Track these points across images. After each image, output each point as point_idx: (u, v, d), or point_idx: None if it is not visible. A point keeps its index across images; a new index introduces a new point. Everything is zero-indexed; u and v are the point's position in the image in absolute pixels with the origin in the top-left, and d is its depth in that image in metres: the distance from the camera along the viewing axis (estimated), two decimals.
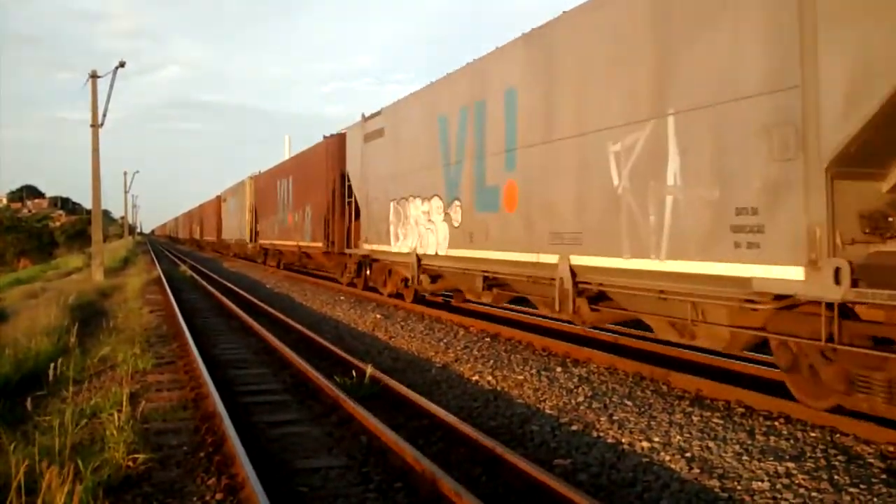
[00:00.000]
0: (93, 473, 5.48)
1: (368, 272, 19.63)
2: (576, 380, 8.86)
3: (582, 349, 10.47)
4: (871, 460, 5.97)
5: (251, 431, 7.11)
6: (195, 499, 5.48)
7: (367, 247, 18.40)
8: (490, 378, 9.19)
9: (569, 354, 10.53)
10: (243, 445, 6.12)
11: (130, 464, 6.02)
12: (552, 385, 8.66)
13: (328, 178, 22.02)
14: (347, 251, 20.69)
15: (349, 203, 20.39)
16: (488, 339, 12.01)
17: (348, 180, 20.23)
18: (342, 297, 19.56)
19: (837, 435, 6.60)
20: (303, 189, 26.12)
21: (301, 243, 26.02)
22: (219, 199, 52.06)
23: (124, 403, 7.10)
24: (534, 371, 9.38)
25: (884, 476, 5.61)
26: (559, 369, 9.47)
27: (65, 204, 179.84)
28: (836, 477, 5.58)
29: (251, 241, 37.82)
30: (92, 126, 28.99)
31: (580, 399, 8.00)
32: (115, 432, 6.33)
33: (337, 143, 21.59)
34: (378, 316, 15.31)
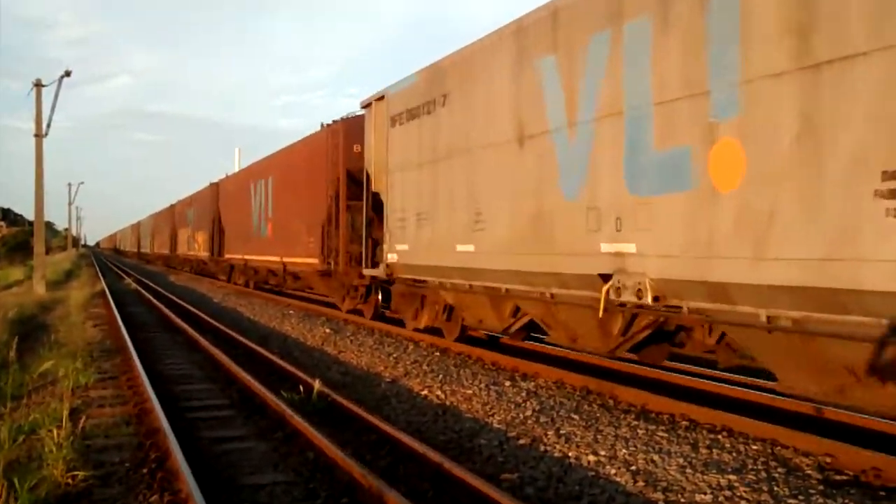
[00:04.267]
0: (29, 492, 5.33)
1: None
2: (524, 394, 8.91)
3: (530, 364, 10.54)
4: (810, 472, 6.11)
5: (196, 447, 6.99)
6: None
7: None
8: (439, 392, 9.19)
9: (517, 369, 10.59)
10: (187, 461, 6.01)
11: (70, 481, 5.87)
12: (500, 399, 8.69)
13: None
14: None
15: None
16: (438, 354, 12.01)
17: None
18: (291, 311, 19.40)
19: (778, 447, 6.75)
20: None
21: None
22: (302, 151, 21.22)
23: (64, 419, 6.93)
24: (483, 385, 9.41)
25: (821, 487, 5.75)
26: (508, 383, 9.51)
27: (6, 215, 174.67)
28: (776, 489, 5.70)
29: None
30: (36, 136, 28.36)
31: (528, 413, 8.05)
32: (53, 449, 6.17)
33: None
34: (327, 330, 15.22)
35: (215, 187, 34.03)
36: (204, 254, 35.66)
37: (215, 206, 33.41)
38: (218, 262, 33.17)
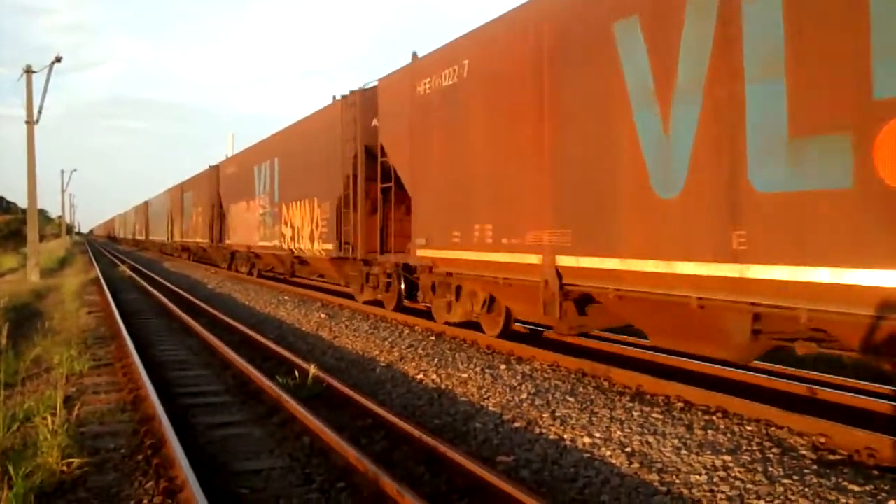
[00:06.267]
0: (24, 479, 5.32)
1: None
2: (519, 377, 8.92)
3: (526, 347, 10.54)
4: (804, 452, 6.14)
5: (191, 433, 6.99)
6: (132, 503, 5.36)
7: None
8: (434, 376, 9.19)
9: (513, 352, 10.59)
10: (183, 447, 6.01)
11: (65, 468, 5.87)
12: (496, 383, 8.70)
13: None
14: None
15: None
16: (433, 338, 12.01)
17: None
18: (286, 297, 19.37)
19: (772, 428, 6.77)
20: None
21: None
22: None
23: (59, 406, 6.91)
24: (478, 369, 9.42)
25: (815, 467, 5.77)
26: (503, 367, 9.52)
27: None
28: (770, 469, 5.72)
29: None
30: (27, 123, 28.22)
31: (523, 396, 8.06)
32: (48, 436, 6.16)
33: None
34: (323, 315, 15.20)
35: (359, 99, 15.42)
36: (322, 248, 17.48)
37: (355, 149, 15.44)
38: (375, 264, 15.27)
